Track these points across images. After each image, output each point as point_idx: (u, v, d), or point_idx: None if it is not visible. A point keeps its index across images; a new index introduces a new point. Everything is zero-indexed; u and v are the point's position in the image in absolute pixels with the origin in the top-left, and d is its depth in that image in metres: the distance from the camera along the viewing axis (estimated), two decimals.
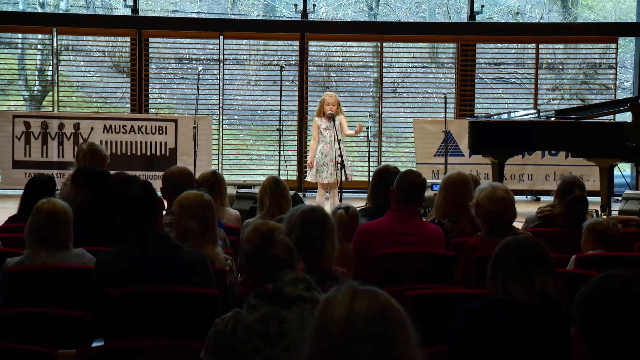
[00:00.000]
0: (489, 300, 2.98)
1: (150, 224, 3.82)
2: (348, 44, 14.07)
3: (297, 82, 13.04)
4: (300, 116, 12.83)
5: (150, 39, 13.01)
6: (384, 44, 13.11)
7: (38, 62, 15.24)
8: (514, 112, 10.77)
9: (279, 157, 10.73)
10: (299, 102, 12.80)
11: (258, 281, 2.79)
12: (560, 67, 14.55)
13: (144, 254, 3.76)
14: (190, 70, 14.06)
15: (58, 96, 12.87)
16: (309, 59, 13.04)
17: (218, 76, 13.02)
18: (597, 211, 8.38)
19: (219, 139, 12.78)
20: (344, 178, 9.17)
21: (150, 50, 13.14)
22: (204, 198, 4.30)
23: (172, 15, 16.96)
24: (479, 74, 13.71)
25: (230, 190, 8.91)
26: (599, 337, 1.93)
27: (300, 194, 10.98)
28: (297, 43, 12.97)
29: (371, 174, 7.16)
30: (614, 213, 9.04)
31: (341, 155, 9.09)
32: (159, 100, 14.59)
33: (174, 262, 3.76)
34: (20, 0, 15.97)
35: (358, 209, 6.34)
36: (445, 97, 11.32)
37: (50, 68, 13.22)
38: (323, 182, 9.58)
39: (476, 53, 13.21)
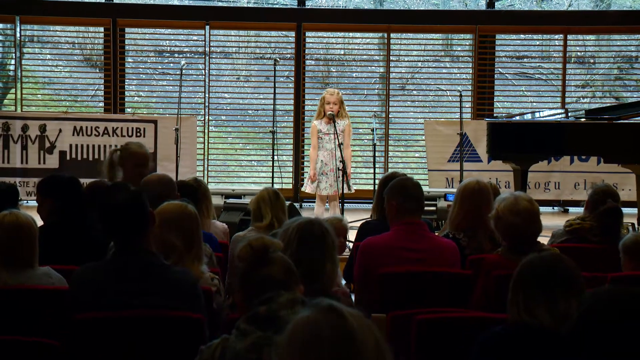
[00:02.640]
0: (509, 326, 2.99)
1: (138, 239, 3.77)
2: (351, 35, 14.11)
3: (292, 78, 13.06)
4: (296, 116, 12.86)
5: (127, 29, 13.04)
6: (392, 35, 13.15)
7: None
8: (539, 111, 10.79)
9: (273, 163, 10.73)
10: (295, 100, 12.83)
11: (250, 304, 2.80)
12: (592, 61, 14.59)
13: (128, 273, 3.71)
14: (172, 64, 14.10)
15: (21, 94, 12.90)
16: (307, 52, 13.07)
17: (203, 71, 13.05)
18: (633, 224, 8.38)
19: (204, 143, 12.80)
20: (345, 189, 9.15)
21: (127, 42, 13.17)
22: (188, 209, 4.31)
23: (152, 2, 16.99)
24: (499, 69, 13.75)
25: (217, 201, 8.95)
26: None
27: (297, 205, 11.00)
28: (293, 34, 13.01)
29: (377, 182, 7.16)
30: None
31: (342, 162, 9.07)
32: (136, 98, 14.62)
33: (161, 285, 3.71)
34: None
35: (362, 221, 6.38)
36: (461, 95, 11.33)
37: (13, 62, 13.25)
38: (321, 193, 9.58)
39: (496, 45, 13.25)
